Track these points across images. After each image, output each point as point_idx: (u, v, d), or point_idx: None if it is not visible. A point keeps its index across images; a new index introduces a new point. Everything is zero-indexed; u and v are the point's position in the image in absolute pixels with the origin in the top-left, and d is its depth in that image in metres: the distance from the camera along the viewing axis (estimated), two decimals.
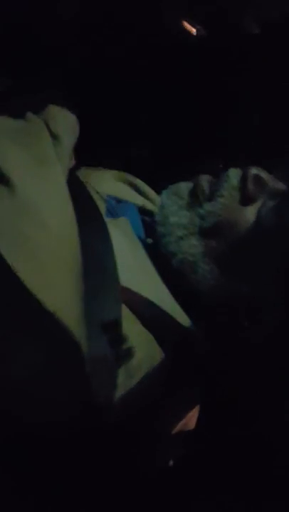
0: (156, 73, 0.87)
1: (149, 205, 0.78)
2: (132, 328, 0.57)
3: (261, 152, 0.83)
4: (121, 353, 0.55)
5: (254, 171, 0.65)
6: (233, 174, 0.66)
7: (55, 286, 0.52)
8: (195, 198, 0.66)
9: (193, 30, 0.89)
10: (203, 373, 0.61)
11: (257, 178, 0.65)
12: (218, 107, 0.91)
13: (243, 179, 0.65)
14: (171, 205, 0.67)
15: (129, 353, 0.56)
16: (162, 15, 0.79)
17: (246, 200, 0.64)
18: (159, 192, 0.81)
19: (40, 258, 0.53)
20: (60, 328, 0.51)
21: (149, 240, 0.70)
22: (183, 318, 0.61)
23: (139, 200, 0.78)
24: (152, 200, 0.80)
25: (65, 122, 0.70)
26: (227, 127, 0.96)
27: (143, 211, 0.76)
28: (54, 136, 0.66)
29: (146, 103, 0.91)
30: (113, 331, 0.55)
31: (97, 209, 0.64)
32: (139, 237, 0.68)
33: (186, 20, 0.86)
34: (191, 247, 0.64)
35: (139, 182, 0.82)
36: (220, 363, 0.61)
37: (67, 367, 0.52)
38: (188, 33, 0.88)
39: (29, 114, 0.67)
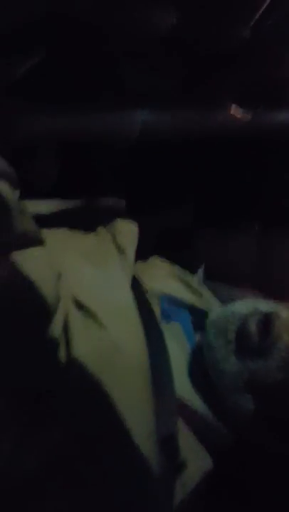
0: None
1: (197, 303, 0.83)
2: (185, 441, 0.62)
3: None
4: (177, 466, 0.60)
5: None
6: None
7: (137, 410, 0.57)
8: (244, 346, 0.66)
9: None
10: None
11: None
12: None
13: None
14: (220, 349, 0.67)
15: (182, 466, 0.61)
16: None
17: None
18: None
19: (124, 380, 0.57)
20: (129, 446, 0.55)
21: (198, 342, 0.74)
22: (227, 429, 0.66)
23: (190, 298, 0.83)
24: (202, 295, 0.86)
25: (129, 235, 0.77)
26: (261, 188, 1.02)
27: (193, 310, 0.81)
28: (120, 249, 0.73)
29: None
30: (169, 446, 0.60)
31: (156, 320, 0.69)
32: (191, 343, 0.73)
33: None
34: (241, 401, 0.66)
35: (189, 278, 0.87)
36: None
37: (136, 483, 0.56)
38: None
39: (100, 230, 0.74)
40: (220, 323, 0.69)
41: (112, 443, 0.55)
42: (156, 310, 0.74)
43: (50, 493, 0.55)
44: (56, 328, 0.56)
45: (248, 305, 0.71)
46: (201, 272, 0.93)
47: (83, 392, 0.55)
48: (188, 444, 0.62)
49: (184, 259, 0.91)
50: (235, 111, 0.98)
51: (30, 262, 0.54)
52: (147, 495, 0.56)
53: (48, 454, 0.54)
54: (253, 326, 0.67)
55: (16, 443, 0.54)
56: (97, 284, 0.65)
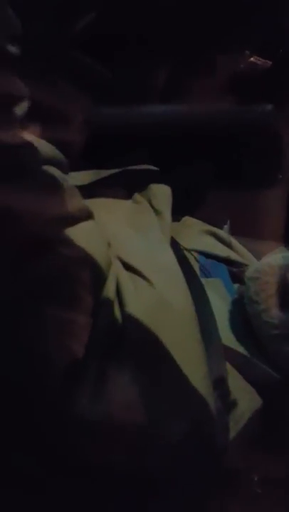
0: None
1: (233, 255, 0.88)
2: (234, 382, 0.68)
3: None
4: (228, 405, 0.66)
5: None
6: None
7: (190, 356, 0.62)
8: (285, 298, 0.70)
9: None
10: None
11: None
12: None
13: None
14: (261, 303, 0.71)
15: (233, 404, 0.67)
16: None
17: None
18: None
19: (175, 331, 0.62)
20: (190, 390, 0.61)
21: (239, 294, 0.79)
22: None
23: (225, 252, 0.88)
24: (234, 248, 0.91)
25: (164, 198, 0.82)
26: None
27: (229, 262, 0.86)
28: (157, 212, 0.78)
29: None
30: (221, 386, 0.66)
31: (196, 275, 0.75)
32: (231, 295, 0.78)
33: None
34: (285, 349, 0.70)
35: (221, 232, 0.92)
36: None
37: (196, 421, 0.62)
38: None
39: (136, 196, 0.80)
40: (259, 278, 0.73)
41: (173, 388, 0.61)
42: (195, 266, 0.79)
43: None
44: (110, 290, 0.61)
45: (284, 255, 0.75)
46: (227, 227, 0.96)
47: (141, 345, 0.61)
48: (237, 384, 0.68)
49: (208, 217, 0.95)
50: (256, 58, 1.01)
51: (84, 235, 0.59)
52: (207, 431, 0.62)
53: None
54: None
55: None
56: (141, 246, 0.70)
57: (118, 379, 0.59)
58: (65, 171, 0.60)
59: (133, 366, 0.60)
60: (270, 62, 1.02)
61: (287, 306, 0.71)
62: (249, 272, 0.76)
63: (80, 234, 0.59)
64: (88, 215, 0.62)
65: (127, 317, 0.61)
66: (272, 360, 0.71)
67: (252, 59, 1.03)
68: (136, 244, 0.70)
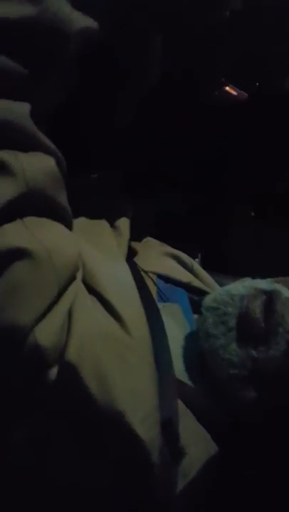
0: None
1: (196, 282, 0.79)
2: (185, 424, 0.58)
3: None
4: (176, 452, 0.56)
5: None
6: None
7: (136, 389, 0.53)
8: (246, 332, 0.61)
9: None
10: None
11: None
12: None
13: None
14: (220, 336, 0.62)
15: (182, 452, 0.56)
16: None
17: None
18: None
19: (128, 359, 0.53)
20: (125, 432, 0.51)
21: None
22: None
23: (187, 277, 0.79)
24: (197, 273, 0.82)
25: (124, 213, 0.75)
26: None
27: (190, 288, 0.77)
28: (115, 227, 0.71)
29: None
30: (169, 430, 0.56)
31: (153, 299, 0.66)
32: (189, 323, 0.69)
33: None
34: (242, 390, 0.61)
35: (183, 255, 0.83)
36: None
37: (133, 471, 0.52)
38: None
39: (95, 206, 0.72)
40: (218, 308, 0.63)
41: (110, 425, 0.51)
42: (153, 290, 0.70)
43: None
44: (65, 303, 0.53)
45: (245, 284, 0.65)
46: (198, 260, 0.90)
47: (80, 373, 0.51)
48: (189, 427, 0.58)
49: (180, 248, 0.87)
50: (231, 89, 0.95)
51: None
52: (143, 484, 0.52)
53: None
54: (257, 310, 0.61)
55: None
56: (98, 260, 0.61)
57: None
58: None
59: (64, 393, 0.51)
60: (246, 95, 0.96)
61: (247, 342, 0.61)
62: (207, 302, 0.65)
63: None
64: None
65: (73, 336, 0.52)
66: (228, 400, 0.62)
67: (227, 88, 0.97)
68: (93, 257, 0.61)
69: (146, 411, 0.52)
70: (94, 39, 0.58)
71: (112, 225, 0.71)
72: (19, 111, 0.54)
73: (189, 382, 0.62)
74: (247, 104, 0.88)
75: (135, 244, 0.79)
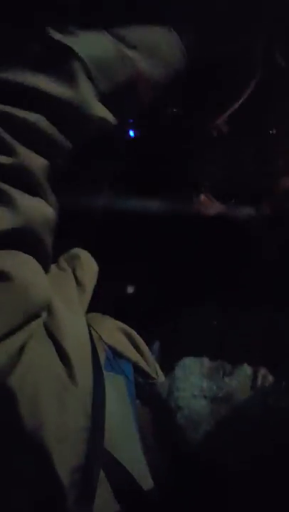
0: None
1: (142, 363, 0.80)
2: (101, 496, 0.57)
3: None
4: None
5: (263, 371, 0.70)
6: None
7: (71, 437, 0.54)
8: (218, 372, 0.71)
9: None
10: None
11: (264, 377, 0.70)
12: None
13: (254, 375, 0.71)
14: (195, 369, 0.72)
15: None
16: None
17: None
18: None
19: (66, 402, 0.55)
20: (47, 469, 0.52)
21: (138, 402, 0.70)
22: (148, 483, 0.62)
23: (134, 356, 0.79)
24: (145, 356, 0.82)
25: (90, 273, 0.77)
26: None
27: (136, 368, 0.77)
28: (79, 284, 0.74)
29: None
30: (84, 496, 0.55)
31: (100, 365, 0.66)
32: (130, 396, 0.69)
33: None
34: (200, 408, 0.67)
35: (136, 336, 0.84)
36: None
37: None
38: None
39: (61, 261, 0.75)
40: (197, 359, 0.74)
41: (32, 459, 0.52)
42: (102, 356, 0.70)
43: None
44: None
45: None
46: (155, 348, 0.90)
47: (16, 400, 0.51)
48: (101, 495, 0.57)
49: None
50: (205, 202, 0.99)
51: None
52: None
53: None
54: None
55: None
56: (62, 309, 0.63)
57: None
58: None
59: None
60: (221, 208, 1.01)
61: None
62: None
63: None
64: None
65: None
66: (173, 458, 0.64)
67: (203, 197, 1.02)
68: (58, 305, 0.63)
69: (72, 456, 0.53)
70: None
71: (77, 279, 0.74)
72: (38, 162, 0.62)
73: (117, 454, 0.61)
74: None
75: (94, 314, 0.80)
